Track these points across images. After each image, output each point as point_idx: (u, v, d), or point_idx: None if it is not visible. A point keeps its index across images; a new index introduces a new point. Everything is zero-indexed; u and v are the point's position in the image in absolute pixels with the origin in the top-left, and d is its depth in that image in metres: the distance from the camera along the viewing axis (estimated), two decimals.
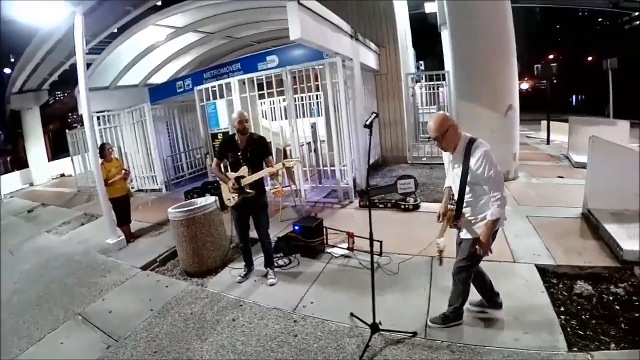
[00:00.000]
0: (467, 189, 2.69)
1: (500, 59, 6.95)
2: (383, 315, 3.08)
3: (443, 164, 9.53)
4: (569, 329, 2.92)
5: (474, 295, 3.12)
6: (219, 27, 8.64)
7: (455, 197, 2.76)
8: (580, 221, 4.88)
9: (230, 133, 4.30)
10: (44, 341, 3.61)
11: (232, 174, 3.99)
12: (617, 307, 3.16)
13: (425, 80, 11.93)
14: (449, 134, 2.63)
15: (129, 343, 3.35)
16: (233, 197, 4.01)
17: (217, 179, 4.51)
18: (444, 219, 2.87)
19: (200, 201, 4.86)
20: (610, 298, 3.29)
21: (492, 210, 2.55)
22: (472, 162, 2.56)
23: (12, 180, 17.12)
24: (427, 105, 12.46)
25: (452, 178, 2.85)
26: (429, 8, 14.93)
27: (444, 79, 10.80)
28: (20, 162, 21.60)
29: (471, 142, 2.61)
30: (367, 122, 2.84)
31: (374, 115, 2.93)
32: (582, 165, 6.90)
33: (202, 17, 7.56)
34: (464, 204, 2.74)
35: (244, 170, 3.92)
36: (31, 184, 17.22)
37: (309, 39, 5.23)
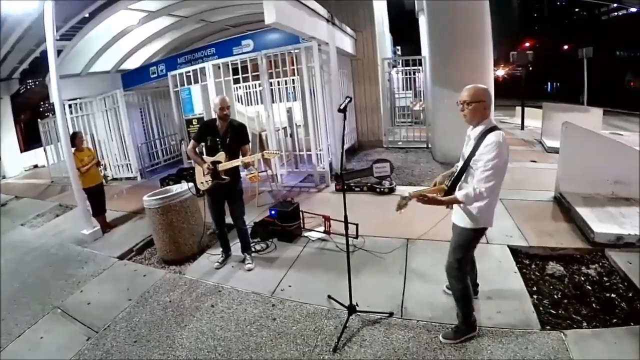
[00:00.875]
0: (467, 171, 2.53)
1: (475, 45, 7.06)
2: (360, 297, 3.15)
3: (418, 147, 9.59)
4: (541, 309, 3.04)
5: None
6: (193, 11, 8.44)
7: (455, 175, 2.63)
8: (553, 204, 5.04)
9: (210, 118, 4.19)
10: (23, 337, 3.54)
11: (208, 158, 3.96)
12: (588, 287, 3.30)
13: (402, 66, 11.97)
14: (478, 106, 2.42)
15: (108, 334, 3.34)
16: (207, 181, 3.98)
17: (193, 164, 4.44)
18: (434, 186, 2.77)
19: (176, 188, 4.80)
20: (582, 279, 3.43)
21: (467, 195, 2.37)
22: (482, 145, 2.36)
23: None
24: (403, 90, 12.54)
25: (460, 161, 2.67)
26: None
27: (420, 65, 10.87)
28: None
29: (492, 129, 2.40)
30: (341, 107, 2.85)
31: (348, 99, 2.93)
32: (555, 150, 7.10)
33: (175, 0, 7.33)
34: (458, 187, 2.58)
35: (221, 156, 3.89)
36: (3, 177, 16.60)
37: (285, 23, 5.17)
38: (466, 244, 2.67)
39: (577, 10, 38.40)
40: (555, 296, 3.21)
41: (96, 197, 6.05)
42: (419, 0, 12.97)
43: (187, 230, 4.60)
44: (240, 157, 3.89)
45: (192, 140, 4.12)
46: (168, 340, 3.12)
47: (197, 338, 3.08)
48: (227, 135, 3.92)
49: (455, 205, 2.65)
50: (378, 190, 6.14)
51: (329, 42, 7.20)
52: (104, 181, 6.33)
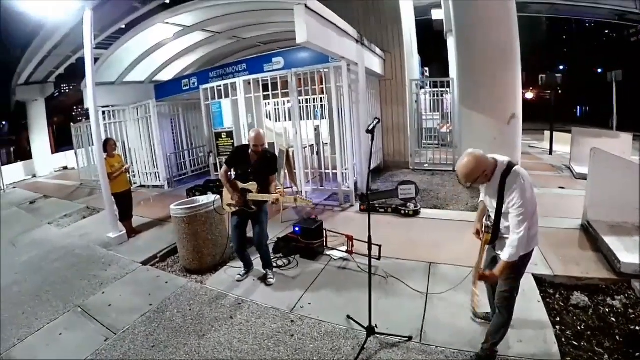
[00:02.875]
0: (503, 216, 2.50)
1: (504, 67, 6.98)
2: (379, 319, 3.12)
3: (445, 170, 9.46)
4: (563, 339, 2.95)
5: (483, 307, 3.09)
6: (226, 27, 8.69)
7: (492, 220, 2.58)
8: (580, 232, 4.90)
9: (243, 143, 4.29)
10: (43, 331, 3.66)
11: (240, 184, 4.04)
12: (612, 319, 3.19)
13: (430, 87, 11.95)
14: (481, 179, 2.44)
15: (127, 337, 3.39)
16: (233, 206, 4.05)
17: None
18: (479, 238, 2.73)
19: (202, 199, 4.90)
20: (607, 310, 3.32)
21: (510, 252, 2.36)
22: (507, 196, 2.37)
23: (15, 171, 17.14)
24: (430, 112, 12.47)
25: (487, 200, 2.67)
26: (436, 15, 14.96)
27: (448, 86, 10.83)
28: (23, 153, 21.69)
29: (507, 172, 2.39)
30: (369, 128, 2.88)
31: (377, 121, 2.97)
32: (584, 177, 6.90)
33: (210, 16, 7.60)
34: (501, 228, 2.54)
35: (253, 186, 3.97)
36: (34, 176, 17.26)
37: (315, 43, 5.27)
38: (513, 274, 2.56)
39: (606, 32, 37.64)
40: (579, 327, 3.11)
41: (124, 202, 6.22)
42: (447, 21, 13.02)
43: (211, 241, 4.67)
44: (270, 188, 3.98)
45: (224, 165, 4.19)
46: (185, 347, 3.14)
47: (214, 348, 3.10)
48: (258, 164, 3.99)
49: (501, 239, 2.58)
50: (402, 212, 6.08)
51: (358, 62, 7.29)
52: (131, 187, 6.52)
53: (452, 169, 9.22)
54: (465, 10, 7.30)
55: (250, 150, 4.01)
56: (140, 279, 4.65)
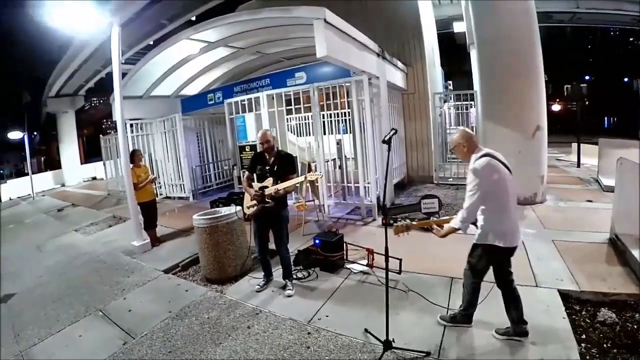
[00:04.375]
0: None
1: (527, 79, 6.88)
2: (397, 333, 3.07)
3: None
4: (588, 358, 2.83)
5: (503, 322, 3.08)
6: (249, 43, 8.89)
7: None
8: (607, 246, 4.72)
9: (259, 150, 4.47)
10: (63, 332, 3.80)
11: (256, 184, 4.15)
12: None
13: (454, 100, 11.83)
14: (458, 148, 3.00)
15: (145, 341, 3.46)
16: (253, 206, 4.13)
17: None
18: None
19: (224, 210, 4.98)
20: (635, 327, 3.17)
21: (455, 221, 2.90)
22: (469, 176, 2.85)
23: (45, 180, 17.88)
24: (454, 126, 12.30)
25: None
26: (458, 28, 14.88)
27: (472, 99, 10.69)
28: (53, 163, 22.61)
29: (478, 158, 2.83)
30: (385, 138, 2.91)
31: (393, 131, 3.00)
32: (612, 189, 6.61)
33: (232, 33, 7.79)
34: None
35: (268, 181, 4.06)
36: (63, 185, 17.94)
37: (335, 57, 5.34)
38: (477, 258, 3.00)
39: (631, 39, 36.50)
40: (605, 345, 2.98)
41: (149, 211, 6.39)
42: (469, 34, 12.94)
43: (232, 251, 4.72)
44: (283, 183, 4.02)
45: (246, 172, 4.36)
46: (202, 355, 3.18)
47: (230, 356, 3.12)
48: (275, 164, 4.11)
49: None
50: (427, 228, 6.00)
51: (379, 75, 7.33)
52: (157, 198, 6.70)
53: None
54: (486, 22, 7.28)
55: (264, 153, 4.16)
56: (161, 286, 4.74)
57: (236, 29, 7.59)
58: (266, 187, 4.04)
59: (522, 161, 6.86)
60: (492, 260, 2.95)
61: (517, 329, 3.00)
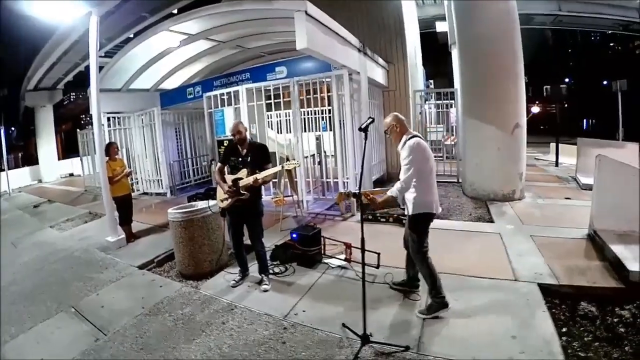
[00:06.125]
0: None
1: (507, 78, 6.97)
2: (376, 328, 3.05)
3: (448, 182, 9.44)
4: (569, 351, 2.83)
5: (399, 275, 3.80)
6: (230, 37, 8.78)
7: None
8: (586, 242, 4.78)
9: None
10: (35, 330, 3.67)
11: (230, 177, 4.05)
12: (621, 329, 3.08)
13: (434, 99, 11.90)
14: (392, 129, 3.42)
15: (116, 338, 3.36)
16: (226, 199, 4.03)
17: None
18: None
19: (200, 204, 4.86)
20: (615, 320, 3.21)
21: (392, 190, 3.31)
22: (402, 154, 3.27)
23: (22, 176, 17.36)
24: (435, 125, 12.37)
25: None
26: (440, 27, 15.01)
27: (452, 98, 10.76)
28: (30, 159, 21.94)
29: (409, 139, 3.28)
30: (362, 126, 2.87)
31: (370, 119, 2.97)
32: (590, 188, 6.75)
33: (213, 25, 7.66)
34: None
35: (243, 172, 3.98)
36: (40, 181, 17.45)
37: (315, 49, 5.29)
38: (415, 228, 3.36)
39: (611, 44, 37.65)
40: (586, 338, 3.00)
41: (124, 206, 6.23)
42: (451, 34, 13.05)
43: (208, 246, 4.61)
44: (262, 172, 3.94)
45: (218, 163, 4.28)
46: (174, 351, 3.09)
47: (203, 353, 3.04)
48: (249, 155, 4.04)
49: (406, 199, 3.37)
50: (404, 222, 5.98)
51: (360, 71, 7.30)
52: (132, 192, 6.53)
53: (456, 180, 9.12)
54: (468, 23, 7.35)
55: (237, 145, 4.08)
56: (135, 282, 4.62)
57: (217, 21, 7.45)
58: (240, 178, 3.96)
59: (501, 158, 6.94)
60: (427, 225, 3.37)
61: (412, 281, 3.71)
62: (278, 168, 4.08)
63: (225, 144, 8.24)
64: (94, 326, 3.61)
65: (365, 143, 3.00)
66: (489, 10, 6.93)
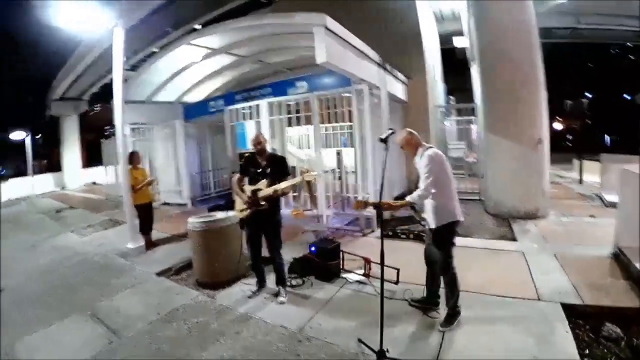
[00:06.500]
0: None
1: (528, 93, 6.87)
2: (393, 344, 2.98)
3: (470, 199, 9.26)
4: None
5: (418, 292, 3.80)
6: (252, 51, 8.92)
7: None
8: (611, 260, 4.62)
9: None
10: (48, 330, 3.73)
11: (248, 187, 4.07)
12: None
13: (455, 115, 11.73)
14: (408, 142, 3.48)
15: (130, 342, 3.39)
16: (245, 210, 4.05)
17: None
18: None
19: (219, 214, 4.89)
20: None
21: (412, 196, 3.26)
22: (422, 164, 3.30)
23: (45, 182, 17.84)
24: (457, 141, 12.13)
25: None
26: (458, 42, 14.91)
27: (473, 114, 10.58)
28: (54, 166, 22.55)
29: (426, 149, 3.35)
30: (383, 137, 2.85)
31: (391, 131, 2.95)
32: (615, 205, 6.53)
33: (234, 39, 7.80)
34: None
35: (262, 183, 3.98)
36: (63, 188, 17.91)
37: (335, 63, 5.32)
38: (441, 240, 3.38)
39: (631, 57, 36.74)
40: None
41: (145, 214, 6.33)
42: (471, 49, 12.97)
43: (226, 256, 4.61)
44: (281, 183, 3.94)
45: (237, 174, 4.30)
46: (187, 358, 3.09)
47: None
48: (268, 166, 4.06)
49: (426, 213, 3.44)
50: (424, 238, 5.88)
51: (380, 85, 7.30)
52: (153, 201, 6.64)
53: (478, 197, 8.92)
54: (487, 38, 7.31)
55: (257, 156, 4.11)
56: (152, 289, 4.66)
57: (238, 36, 7.60)
58: (259, 189, 3.96)
59: (523, 174, 6.79)
60: (452, 235, 3.40)
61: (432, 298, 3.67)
62: (298, 179, 4.08)
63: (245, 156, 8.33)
64: (108, 329, 3.65)
65: (386, 155, 2.97)
66: (508, 25, 6.91)
